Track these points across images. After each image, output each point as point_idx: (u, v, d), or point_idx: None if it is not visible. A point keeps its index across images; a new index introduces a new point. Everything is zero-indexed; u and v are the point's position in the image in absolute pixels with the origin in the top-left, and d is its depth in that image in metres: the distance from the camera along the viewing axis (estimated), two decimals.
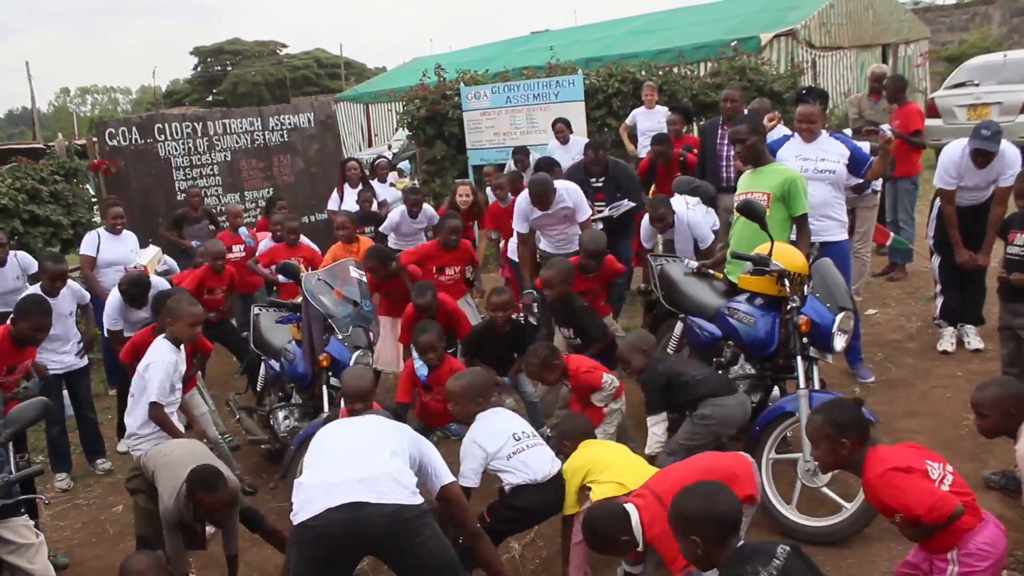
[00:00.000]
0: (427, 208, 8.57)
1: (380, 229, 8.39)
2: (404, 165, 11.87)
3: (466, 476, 3.93)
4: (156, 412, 4.69)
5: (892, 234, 7.91)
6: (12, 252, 7.20)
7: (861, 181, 6.20)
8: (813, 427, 3.23)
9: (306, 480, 3.25)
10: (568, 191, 6.55)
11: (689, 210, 6.85)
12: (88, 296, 6.56)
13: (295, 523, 3.16)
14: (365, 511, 3.06)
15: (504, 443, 3.97)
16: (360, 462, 3.24)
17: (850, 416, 3.18)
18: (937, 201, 6.36)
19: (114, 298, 6.39)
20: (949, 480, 3.06)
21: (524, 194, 6.58)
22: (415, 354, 5.26)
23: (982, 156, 5.87)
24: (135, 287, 6.30)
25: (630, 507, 3.39)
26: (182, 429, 4.89)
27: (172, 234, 9.04)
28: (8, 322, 5.27)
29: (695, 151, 8.17)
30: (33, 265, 7.12)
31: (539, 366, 4.76)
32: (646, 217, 7.04)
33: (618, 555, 3.58)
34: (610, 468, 3.87)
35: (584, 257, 5.82)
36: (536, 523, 4.19)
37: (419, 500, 3.23)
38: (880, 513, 3.25)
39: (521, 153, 9.23)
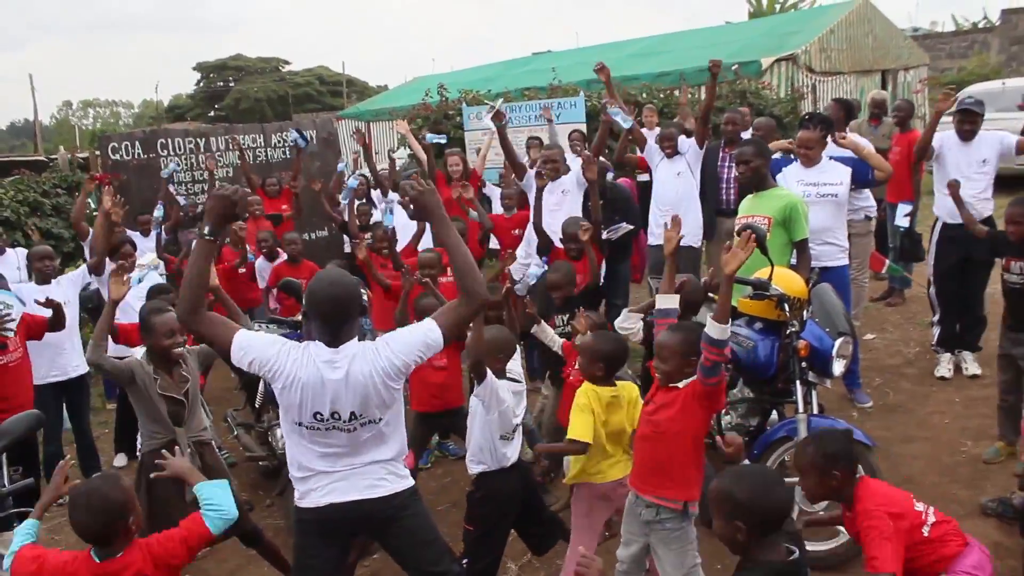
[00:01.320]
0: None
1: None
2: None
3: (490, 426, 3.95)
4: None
5: (888, 262, 7.92)
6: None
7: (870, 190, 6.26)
8: (803, 458, 3.20)
9: (304, 471, 3.30)
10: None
11: None
12: (91, 283, 6.60)
13: (299, 505, 3.33)
14: (365, 505, 3.27)
15: (509, 420, 3.98)
16: (356, 456, 3.29)
17: (840, 447, 3.17)
18: (937, 228, 6.40)
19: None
20: (931, 519, 3.10)
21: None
22: None
23: (968, 120, 5.99)
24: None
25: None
26: None
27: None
28: None
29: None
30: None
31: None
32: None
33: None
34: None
35: (564, 241, 6.04)
36: (508, 510, 4.10)
37: (409, 483, 3.40)
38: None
39: (535, 139, 9.50)
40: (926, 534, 3.05)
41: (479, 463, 4.04)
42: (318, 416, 3.18)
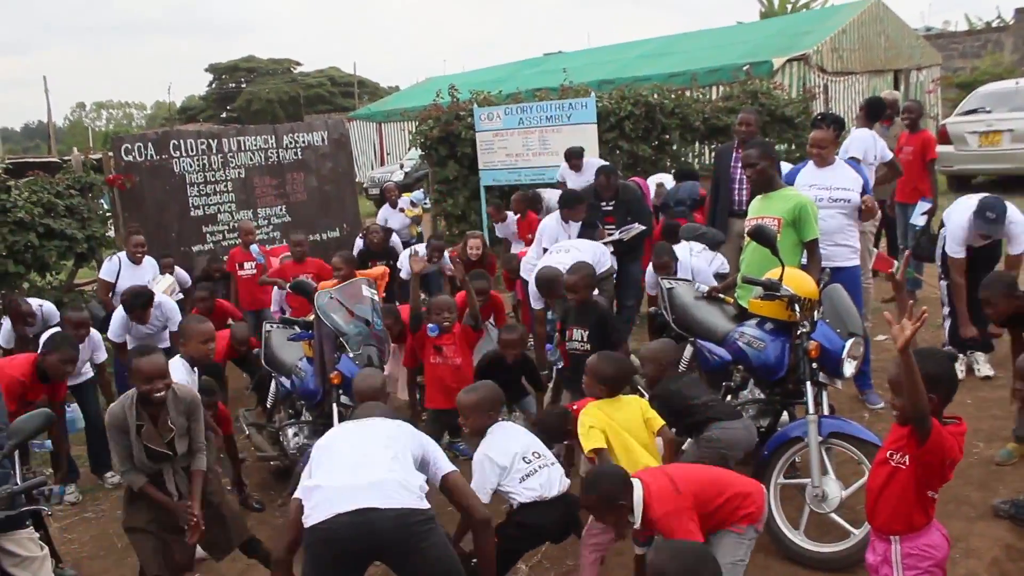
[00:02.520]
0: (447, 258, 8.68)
1: (399, 266, 8.49)
2: (418, 196, 11.84)
3: (478, 489, 3.93)
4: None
5: (896, 263, 7.89)
6: (38, 304, 7.21)
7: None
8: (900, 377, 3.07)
9: (315, 483, 3.29)
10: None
11: (692, 256, 6.88)
12: (104, 356, 6.64)
13: (306, 526, 3.20)
14: (374, 515, 3.13)
15: (515, 463, 3.97)
16: (368, 466, 3.29)
17: (942, 370, 3.07)
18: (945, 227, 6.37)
19: (119, 312, 6.50)
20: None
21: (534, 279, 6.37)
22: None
23: (985, 238, 5.96)
24: (136, 299, 6.40)
25: (636, 481, 3.44)
26: None
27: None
28: (37, 354, 5.43)
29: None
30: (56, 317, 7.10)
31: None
32: (650, 265, 7.02)
33: (611, 524, 3.54)
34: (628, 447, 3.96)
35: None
36: (544, 541, 4.18)
37: (426, 505, 3.30)
38: (885, 450, 3.17)
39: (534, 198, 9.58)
40: (928, 493, 3.06)
41: (517, 500, 4.00)
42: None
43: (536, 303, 6.42)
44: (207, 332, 5.01)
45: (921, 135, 8.44)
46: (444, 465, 3.66)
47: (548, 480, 3.99)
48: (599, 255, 6.56)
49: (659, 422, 4.14)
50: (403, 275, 8.30)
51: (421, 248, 8.65)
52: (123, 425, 3.98)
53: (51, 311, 7.31)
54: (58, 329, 6.16)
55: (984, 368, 6.46)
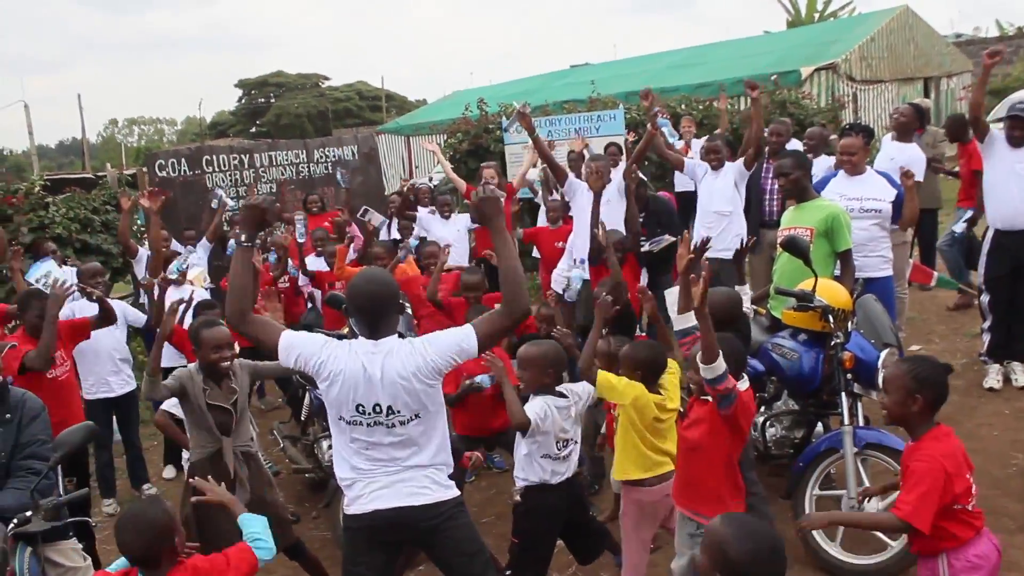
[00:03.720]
0: (462, 216, 8.77)
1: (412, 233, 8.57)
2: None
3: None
4: (159, 417, 4.85)
5: (936, 274, 7.85)
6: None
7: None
8: (893, 375, 3.19)
9: (353, 475, 3.38)
10: None
11: None
12: (143, 319, 6.67)
13: (347, 512, 3.43)
14: (409, 512, 3.33)
15: (551, 436, 3.98)
16: (399, 460, 3.35)
17: (932, 374, 3.14)
18: (989, 235, 6.33)
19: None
20: (973, 501, 3.09)
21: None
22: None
23: (1019, 126, 5.89)
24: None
25: None
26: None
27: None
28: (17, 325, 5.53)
29: None
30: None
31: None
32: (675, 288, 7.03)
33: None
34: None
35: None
36: (554, 524, 4.12)
37: (454, 492, 3.44)
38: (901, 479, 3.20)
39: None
40: (956, 508, 3.03)
41: (524, 480, 4.07)
42: (360, 409, 3.26)
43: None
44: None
45: (971, 145, 8.35)
46: (466, 341, 3.34)
47: (567, 467, 4.05)
48: None
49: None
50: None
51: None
52: (187, 385, 4.32)
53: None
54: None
55: (1022, 377, 6.39)
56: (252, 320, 3.36)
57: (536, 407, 3.93)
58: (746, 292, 5.64)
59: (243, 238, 3.40)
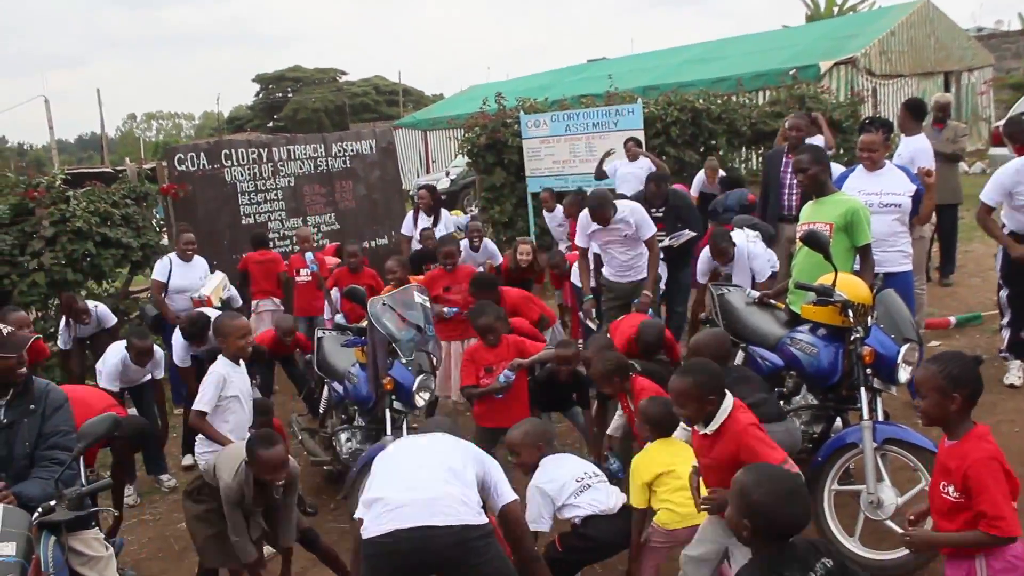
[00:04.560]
0: (488, 243, 8.71)
1: None
2: (461, 221, 11.75)
3: (534, 521, 3.99)
4: (196, 419, 4.83)
5: (952, 318, 7.89)
6: (93, 305, 7.76)
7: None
8: (924, 377, 3.05)
9: (374, 496, 3.32)
10: (631, 209, 6.62)
11: (749, 242, 6.88)
12: (162, 373, 6.91)
13: (364, 538, 3.26)
14: (432, 532, 3.16)
15: (566, 485, 4.03)
16: (427, 481, 3.31)
17: (965, 371, 3.02)
18: (1005, 232, 6.28)
19: (179, 337, 6.69)
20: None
21: (585, 211, 6.66)
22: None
23: None
24: (192, 326, 6.54)
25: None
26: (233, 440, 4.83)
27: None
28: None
29: None
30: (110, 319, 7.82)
31: (602, 373, 4.70)
32: (704, 250, 7.06)
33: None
34: (679, 476, 3.88)
35: None
36: (607, 555, 4.19)
37: (484, 520, 3.31)
38: (937, 479, 3.10)
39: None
40: None
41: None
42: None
43: (580, 240, 6.83)
44: (243, 327, 4.95)
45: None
46: (506, 493, 3.62)
47: (605, 495, 4.04)
48: None
49: None
50: None
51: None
52: (240, 500, 4.14)
53: (105, 313, 7.81)
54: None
55: None
56: None
57: (532, 509, 4.03)
58: (752, 293, 5.69)
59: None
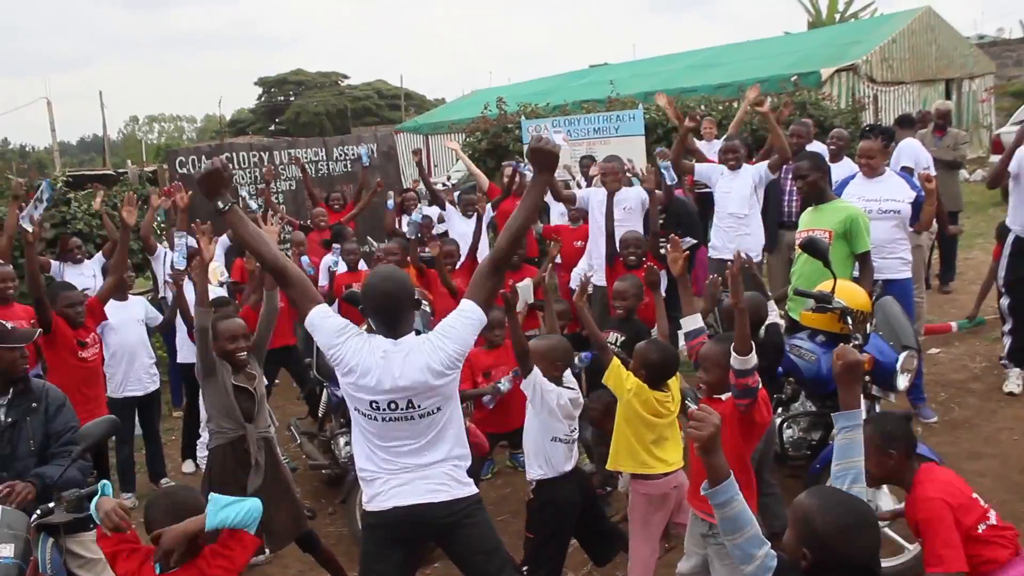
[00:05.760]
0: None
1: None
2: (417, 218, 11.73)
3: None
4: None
5: (953, 324, 7.90)
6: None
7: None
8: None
9: (372, 473, 3.38)
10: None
11: None
12: (160, 319, 6.86)
13: (365, 509, 3.43)
14: (426, 508, 3.33)
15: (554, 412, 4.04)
16: (418, 454, 3.35)
17: (897, 428, 3.22)
18: (1009, 240, 6.29)
19: (183, 338, 6.68)
20: (992, 519, 3.08)
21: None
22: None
23: None
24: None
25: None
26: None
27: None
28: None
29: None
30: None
31: (601, 412, 4.70)
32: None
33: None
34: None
35: (623, 247, 6.29)
36: (568, 518, 4.18)
37: (473, 490, 3.45)
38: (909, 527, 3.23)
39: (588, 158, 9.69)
40: (980, 531, 3.03)
41: (536, 467, 4.12)
42: (374, 405, 3.27)
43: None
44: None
45: None
46: (473, 313, 3.37)
47: (562, 456, 4.09)
48: None
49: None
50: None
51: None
52: (218, 364, 4.38)
53: None
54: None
55: None
56: (292, 282, 3.36)
57: (546, 383, 4.02)
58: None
59: (219, 204, 3.38)
